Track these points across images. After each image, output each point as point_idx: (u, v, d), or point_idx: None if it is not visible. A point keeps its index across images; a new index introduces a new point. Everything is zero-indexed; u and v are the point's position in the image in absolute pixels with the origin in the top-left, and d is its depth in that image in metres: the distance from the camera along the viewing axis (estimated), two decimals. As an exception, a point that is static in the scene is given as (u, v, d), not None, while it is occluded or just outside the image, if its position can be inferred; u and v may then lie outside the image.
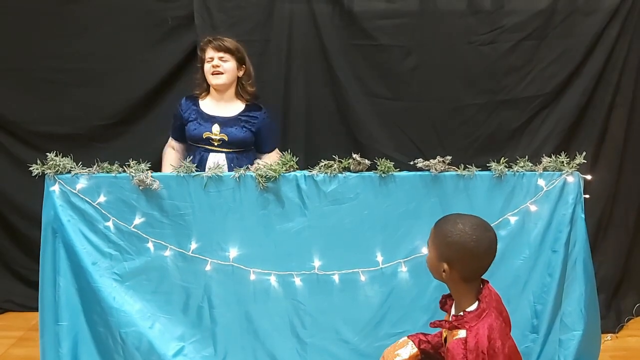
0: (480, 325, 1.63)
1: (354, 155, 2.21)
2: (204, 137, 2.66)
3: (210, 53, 2.64)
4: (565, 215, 2.22)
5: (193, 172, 2.21)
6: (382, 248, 2.24)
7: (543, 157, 2.28)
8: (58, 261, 2.20)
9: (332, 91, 3.09)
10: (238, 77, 2.71)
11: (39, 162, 2.19)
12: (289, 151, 2.27)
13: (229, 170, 2.44)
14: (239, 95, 2.72)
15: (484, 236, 1.66)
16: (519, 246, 2.26)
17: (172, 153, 2.79)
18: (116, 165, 2.23)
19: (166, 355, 2.20)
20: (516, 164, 2.25)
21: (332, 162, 2.21)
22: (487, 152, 2.93)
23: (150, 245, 2.22)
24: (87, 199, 2.19)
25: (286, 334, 2.27)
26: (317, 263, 2.23)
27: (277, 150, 2.77)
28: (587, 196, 2.26)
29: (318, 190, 2.21)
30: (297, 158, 2.25)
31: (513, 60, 3.01)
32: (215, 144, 2.65)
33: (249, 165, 2.26)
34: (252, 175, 2.21)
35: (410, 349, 1.92)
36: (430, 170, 2.21)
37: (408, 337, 1.95)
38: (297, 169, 2.25)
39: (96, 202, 2.20)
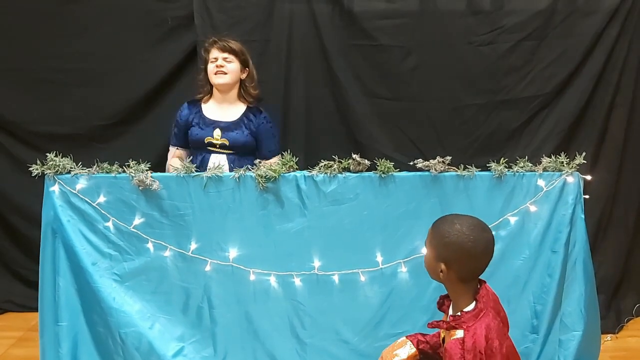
0: (478, 325, 1.63)
1: (354, 156, 2.21)
2: (206, 141, 2.66)
3: (214, 53, 2.65)
4: (565, 215, 2.22)
5: (193, 173, 2.21)
6: (382, 248, 2.24)
7: (543, 157, 2.27)
8: (58, 261, 2.20)
9: (332, 91, 3.09)
10: (241, 80, 2.71)
11: (38, 162, 2.19)
12: (289, 151, 2.27)
13: (229, 171, 2.44)
14: (241, 97, 2.72)
15: (481, 237, 1.66)
16: (518, 246, 2.25)
17: (177, 162, 2.62)
18: (116, 165, 2.23)
19: (166, 355, 2.20)
20: (516, 164, 2.25)
21: (332, 162, 2.21)
22: (486, 152, 2.93)
23: (150, 245, 2.22)
24: (86, 199, 2.19)
25: (286, 334, 2.27)
26: (316, 263, 2.23)
27: (278, 158, 2.59)
28: (587, 196, 2.26)
29: (318, 191, 2.21)
30: (297, 158, 2.25)
31: (513, 60, 3.01)
32: (217, 147, 2.66)
33: (249, 166, 2.26)
34: (251, 176, 2.21)
35: (409, 349, 1.92)
36: (430, 170, 2.21)
37: (406, 337, 1.95)
38: (296, 169, 2.25)
39: (96, 203, 2.20)
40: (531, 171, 2.24)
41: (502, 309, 1.76)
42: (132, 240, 2.22)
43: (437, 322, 1.73)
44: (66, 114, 3.18)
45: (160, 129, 3.08)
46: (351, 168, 2.22)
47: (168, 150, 2.82)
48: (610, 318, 3.07)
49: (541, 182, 2.23)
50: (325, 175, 2.21)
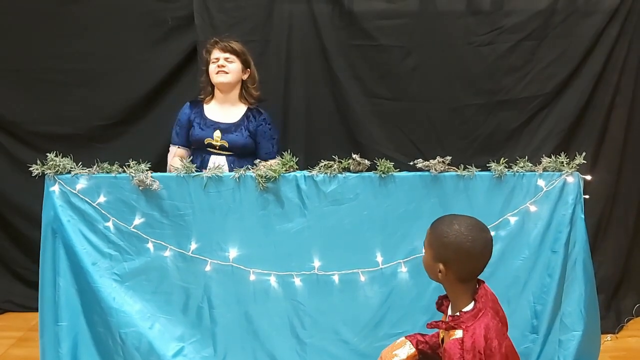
0: (477, 325, 1.63)
1: (354, 156, 2.21)
2: (206, 142, 2.66)
3: (216, 53, 2.65)
4: (565, 215, 2.22)
5: (193, 173, 2.21)
6: (381, 248, 2.24)
7: (543, 157, 2.27)
8: (58, 261, 2.20)
9: (332, 91, 3.09)
10: (243, 81, 2.71)
11: (39, 162, 2.19)
12: (289, 151, 2.27)
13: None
14: (242, 98, 2.73)
15: (480, 237, 1.66)
16: (518, 246, 2.25)
17: (178, 162, 2.61)
18: (116, 165, 2.23)
19: (166, 355, 2.20)
20: (516, 164, 2.25)
21: (332, 162, 2.21)
22: (486, 152, 2.94)
23: (150, 245, 2.22)
24: (87, 199, 2.19)
25: (286, 335, 2.27)
26: (316, 263, 2.23)
27: (276, 160, 2.52)
28: (587, 196, 2.26)
29: (318, 191, 2.21)
30: (297, 158, 2.25)
31: (512, 60, 3.01)
32: (217, 149, 2.66)
33: (249, 166, 2.26)
34: (251, 176, 2.21)
35: (408, 349, 1.92)
36: (430, 170, 2.21)
37: (406, 337, 1.96)
38: (296, 169, 2.25)
39: (96, 203, 2.20)
40: (531, 171, 2.24)
41: (500, 309, 1.76)
42: (132, 240, 2.22)
43: (436, 322, 1.73)
44: (66, 114, 3.18)
45: (160, 129, 3.08)
46: (351, 168, 2.22)
47: (168, 150, 2.82)
48: (610, 318, 3.07)
49: (541, 182, 2.23)
50: (325, 175, 2.21)
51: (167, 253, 2.22)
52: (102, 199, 2.19)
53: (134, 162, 2.21)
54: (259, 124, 2.69)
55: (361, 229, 2.23)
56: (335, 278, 2.24)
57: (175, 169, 2.25)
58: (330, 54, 3.03)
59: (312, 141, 3.10)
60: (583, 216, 2.23)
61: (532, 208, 2.23)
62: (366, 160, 2.21)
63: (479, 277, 1.74)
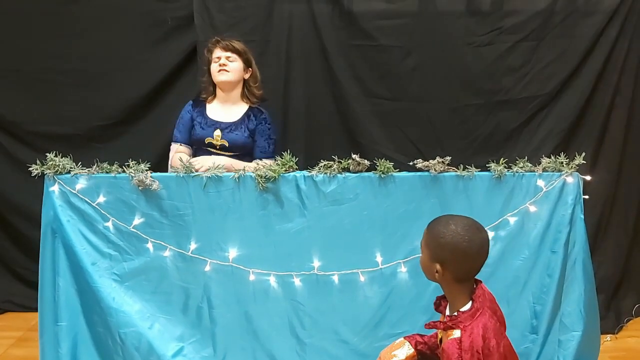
0: (475, 325, 1.63)
1: (354, 156, 2.21)
2: (206, 142, 2.66)
3: (217, 53, 2.66)
4: (565, 215, 2.22)
5: (192, 173, 2.21)
6: (381, 248, 2.24)
7: (542, 157, 2.27)
8: (57, 261, 2.20)
9: (332, 91, 3.09)
10: (244, 80, 2.71)
11: (38, 162, 2.19)
12: (289, 151, 2.27)
13: (228, 172, 2.44)
14: (244, 97, 2.73)
15: (476, 237, 1.66)
16: (518, 247, 2.25)
17: (184, 158, 2.55)
18: (116, 165, 2.23)
19: (165, 355, 2.20)
20: (515, 165, 2.25)
21: (332, 162, 2.21)
22: (486, 152, 2.94)
23: (149, 245, 2.22)
24: (86, 199, 2.19)
25: (285, 335, 2.27)
26: (316, 263, 2.23)
27: (272, 161, 2.52)
28: (587, 197, 2.26)
29: (317, 191, 2.21)
30: (297, 158, 2.25)
31: (512, 60, 3.01)
32: (217, 149, 2.66)
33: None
34: (251, 176, 2.21)
35: (407, 349, 1.92)
36: (430, 170, 2.21)
37: (405, 337, 1.96)
38: (296, 169, 2.25)
39: (95, 203, 2.20)
40: (531, 171, 2.24)
41: (498, 309, 1.76)
42: (132, 240, 2.22)
43: (434, 322, 1.74)
44: (66, 114, 3.18)
45: (160, 129, 3.09)
46: (351, 168, 2.22)
47: (168, 150, 2.82)
48: (610, 318, 3.07)
49: (541, 183, 2.23)
50: (325, 175, 2.21)
51: (167, 253, 2.22)
52: (101, 199, 2.19)
53: (133, 162, 2.21)
54: (259, 123, 2.69)
55: (361, 229, 2.23)
56: (335, 278, 2.24)
57: (175, 169, 2.25)
58: (330, 54, 3.03)
59: (312, 141, 3.10)
60: (583, 216, 2.23)
61: (532, 208, 2.23)
62: (366, 161, 2.21)
63: (476, 277, 1.74)
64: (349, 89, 3.06)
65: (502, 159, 2.24)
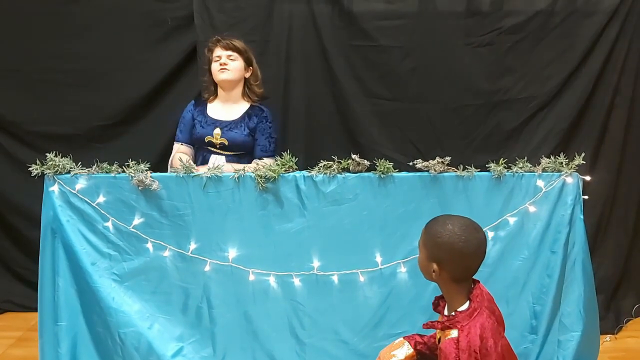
0: (472, 325, 1.63)
1: (353, 156, 2.21)
2: (206, 140, 2.66)
3: (218, 52, 2.66)
4: (564, 216, 2.22)
5: (192, 173, 2.21)
6: (381, 249, 2.24)
7: (542, 158, 2.27)
8: (57, 261, 2.20)
9: (332, 91, 3.09)
10: (245, 78, 2.71)
11: (38, 162, 2.19)
12: (289, 151, 2.27)
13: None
14: (245, 96, 2.73)
15: (473, 237, 1.67)
16: (517, 247, 2.25)
17: (184, 158, 2.60)
18: (115, 165, 2.23)
19: (165, 355, 2.20)
20: (515, 165, 2.25)
21: (331, 162, 2.21)
22: (486, 152, 2.93)
23: (149, 245, 2.22)
24: (86, 199, 2.19)
25: (285, 335, 2.27)
26: (316, 264, 2.23)
27: (272, 160, 2.57)
28: (586, 197, 2.26)
29: (317, 191, 2.21)
30: (297, 158, 2.25)
31: (511, 61, 3.02)
32: (217, 148, 2.66)
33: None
34: (251, 176, 2.21)
35: (406, 349, 1.92)
36: (430, 170, 2.21)
37: (404, 338, 1.96)
38: (296, 169, 2.25)
39: (95, 203, 2.20)
40: (530, 172, 2.24)
41: (496, 309, 1.76)
42: (132, 240, 2.22)
43: (431, 322, 1.74)
44: (66, 114, 3.18)
45: (160, 129, 3.09)
46: (350, 168, 2.22)
47: (168, 150, 2.83)
48: (610, 319, 3.07)
49: (540, 183, 2.23)
50: (325, 175, 2.21)
51: (167, 253, 2.22)
52: (101, 199, 2.19)
53: (133, 162, 2.21)
54: (260, 121, 2.69)
55: (360, 230, 2.23)
56: (335, 278, 2.24)
57: (175, 169, 2.25)
58: (330, 54, 3.03)
59: (311, 141, 3.10)
60: (582, 217, 2.23)
61: (532, 208, 2.23)
62: (365, 161, 2.21)
63: (476, 277, 1.74)
64: (348, 89, 3.06)
65: (501, 159, 2.24)
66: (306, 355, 2.27)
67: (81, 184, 2.19)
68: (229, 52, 2.65)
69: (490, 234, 2.21)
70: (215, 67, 2.66)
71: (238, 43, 2.67)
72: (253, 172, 2.20)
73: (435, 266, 1.69)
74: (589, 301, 2.26)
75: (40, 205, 2.20)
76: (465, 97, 3.05)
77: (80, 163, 2.22)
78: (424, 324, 1.76)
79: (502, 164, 2.23)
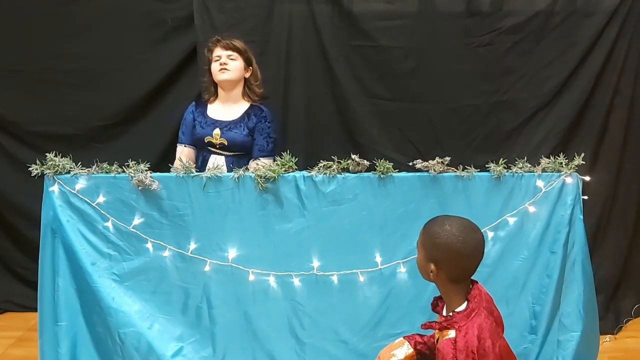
0: (470, 325, 1.64)
1: (353, 156, 2.22)
2: (206, 141, 2.67)
3: (218, 52, 2.66)
4: (564, 216, 2.22)
5: (192, 173, 2.21)
6: (381, 249, 2.24)
7: (542, 158, 2.27)
8: (57, 261, 2.20)
9: (332, 92, 3.09)
10: (245, 78, 2.72)
11: (38, 162, 2.19)
12: (288, 152, 2.27)
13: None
14: (245, 96, 2.73)
15: (471, 237, 1.67)
16: (517, 247, 2.25)
17: (184, 158, 2.58)
18: (115, 165, 2.23)
19: (165, 355, 2.20)
20: (515, 165, 2.25)
21: (331, 162, 2.21)
22: (485, 152, 2.93)
23: (149, 245, 2.22)
24: (86, 199, 2.19)
25: (285, 335, 2.27)
26: (316, 264, 2.23)
27: (270, 160, 2.57)
28: (586, 197, 2.26)
29: (317, 191, 2.21)
30: (296, 159, 2.25)
31: (511, 61, 3.02)
32: (216, 148, 2.66)
33: (248, 166, 2.26)
34: (251, 176, 2.21)
35: (406, 349, 1.92)
36: (429, 171, 2.21)
37: (404, 337, 1.96)
38: (296, 169, 2.25)
39: (95, 203, 2.20)
40: (530, 172, 2.24)
41: (495, 309, 1.76)
42: (132, 240, 2.22)
43: (430, 322, 1.75)
44: (66, 114, 3.19)
45: (160, 129, 3.09)
46: (350, 168, 2.22)
47: (168, 150, 2.83)
48: (609, 319, 3.07)
49: (540, 183, 2.23)
50: (325, 175, 2.21)
51: (166, 253, 2.22)
52: (101, 199, 2.20)
53: (133, 162, 2.21)
54: (259, 121, 2.69)
55: (360, 230, 2.23)
56: (335, 278, 2.24)
57: (175, 170, 2.25)
58: (330, 54, 3.04)
59: (311, 141, 3.10)
60: (582, 217, 2.23)
61: (531, 209, 2.23)
62: (365, 161, 2.21)
63: (475, 278, 1.74)
64: (348, 89, 3.06)
65: (501, 159, 2.24)
66: (306, 355, 2.27)
67: (81, 184, 2.19)
68: (229, 52, 2.65)
69: (489, 234, 2.21)
70: (215, 67, 2.66)
71: (238, 43, 2.67)
72: (253, 172, 2.20)
73: (433, 266, 1.69)
74: (589, 301, 2.26)
75: (40, 205, 2.21)
76: (465, 97, 3.05)
77: (80, 163, 2.22)
78: (422, 324, 1.76)
79: (501, 164, 2.23)
